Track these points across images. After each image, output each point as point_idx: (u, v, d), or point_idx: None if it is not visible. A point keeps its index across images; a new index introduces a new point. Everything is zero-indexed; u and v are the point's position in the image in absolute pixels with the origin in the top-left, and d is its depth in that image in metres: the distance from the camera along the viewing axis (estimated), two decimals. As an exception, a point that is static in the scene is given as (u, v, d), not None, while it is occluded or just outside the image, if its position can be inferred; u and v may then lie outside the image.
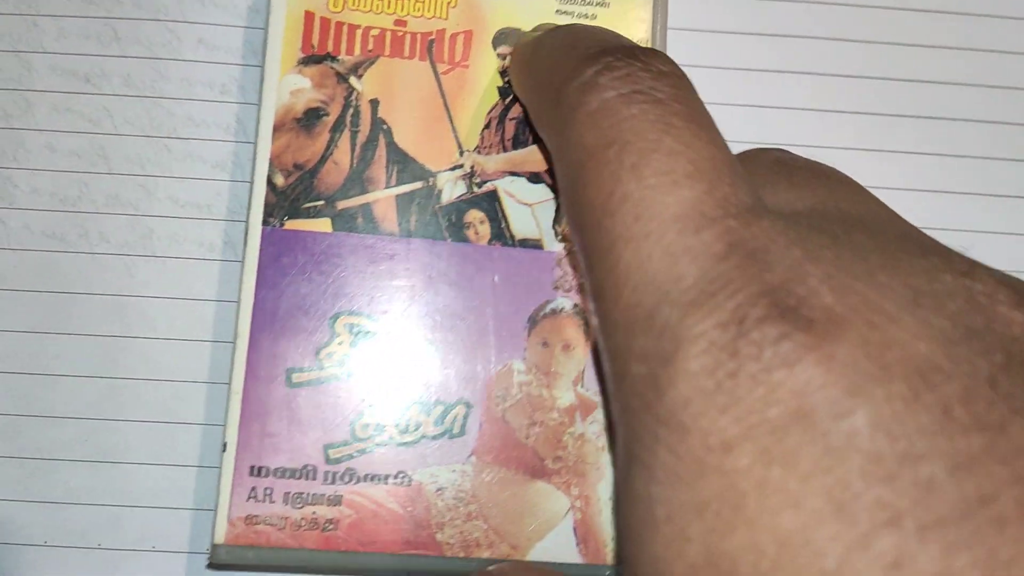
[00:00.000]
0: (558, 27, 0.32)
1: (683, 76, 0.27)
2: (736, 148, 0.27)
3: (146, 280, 0.39)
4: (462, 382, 0.36)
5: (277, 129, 0.36)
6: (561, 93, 0.27)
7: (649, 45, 0.37)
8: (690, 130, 0.25)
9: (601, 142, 0.25)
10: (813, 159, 0.29)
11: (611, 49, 0.27)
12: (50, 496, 0.38)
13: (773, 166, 0.28)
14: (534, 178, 0.37)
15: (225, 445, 0.35)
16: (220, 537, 0.34)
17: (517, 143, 0.37)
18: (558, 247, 0.37)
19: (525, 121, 0.37)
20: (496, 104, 0.37)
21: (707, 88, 0.29)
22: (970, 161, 0.42)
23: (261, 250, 0.36)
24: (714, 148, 0.25)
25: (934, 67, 0.42)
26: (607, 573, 0.35)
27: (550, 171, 0.38)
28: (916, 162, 0.42)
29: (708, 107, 0.26)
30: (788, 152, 0.30)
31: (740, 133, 0.41)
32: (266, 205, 0.36)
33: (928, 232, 0.26)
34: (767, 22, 0.42)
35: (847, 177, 0.28)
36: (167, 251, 0.39)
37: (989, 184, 0.42)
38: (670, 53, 0.30)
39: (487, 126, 0.37)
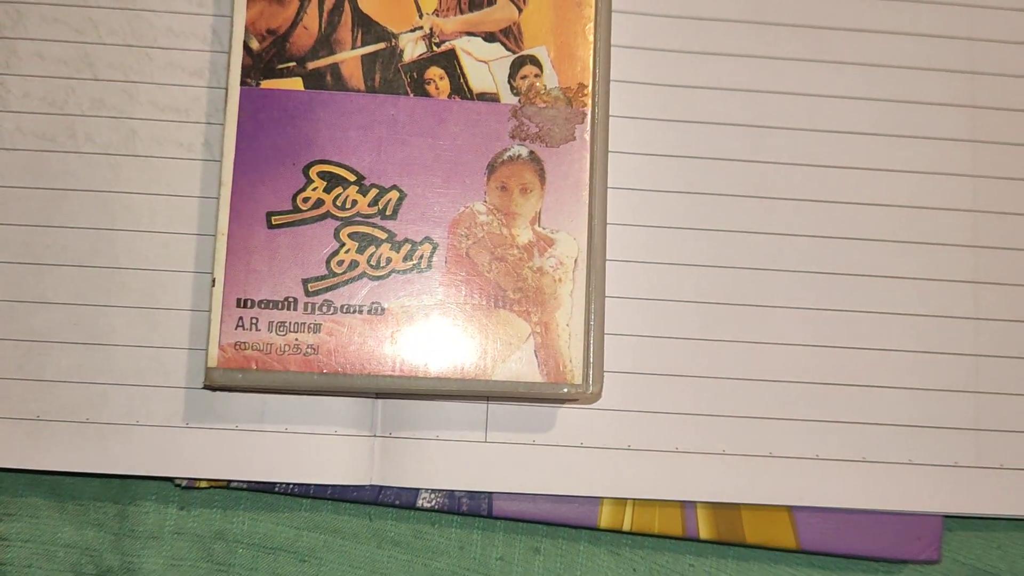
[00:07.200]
0: None
1: None
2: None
3: (129, 178, 0.42)
4: (428, 223, 0.39)
5: (251, -2, 0.40)
6: None
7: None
8: None
9: None
10: None
11: None
12: (43, 375, 0.41)
13: None
14: (490, 37, 0.41)
15: (214, 280, 0.38)
16: (213, 361, 0.38)
17: (473, 5, 0.41)
18: (513, 99, 0.40)
19: (479, -14, 0.41)
20: (452, -29, 0.41)
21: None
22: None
23: (240, 107, 0.39)
24: None
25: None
26: (565, 390, 0.39)
27: (505, 31, 0.41)
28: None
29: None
30: None
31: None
32: (243, 67, 0.39)
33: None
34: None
35: None
36: (149, 151, 0.42)
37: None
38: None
39: (444, -9, 0.41)
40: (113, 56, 0.43)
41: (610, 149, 0.43)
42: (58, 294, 0.41)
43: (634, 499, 0.42)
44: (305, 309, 0.38)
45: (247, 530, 0.42)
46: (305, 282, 0.39)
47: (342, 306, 0.38)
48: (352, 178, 0.39)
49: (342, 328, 0.38)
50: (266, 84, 0.39)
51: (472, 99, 0.40)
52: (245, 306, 0.38)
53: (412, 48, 0.40)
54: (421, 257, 0.39)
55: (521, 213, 0.40)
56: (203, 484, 0.41)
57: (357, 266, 0.39)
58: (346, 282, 0.39)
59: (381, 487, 0.41)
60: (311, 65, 0.40)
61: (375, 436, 0.41)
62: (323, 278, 0.39)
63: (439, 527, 0.43)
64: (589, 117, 0.40)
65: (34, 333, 0.41)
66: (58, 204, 0.42)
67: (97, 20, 0.43)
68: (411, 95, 0.40)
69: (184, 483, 0.41)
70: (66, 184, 0.42)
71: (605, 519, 0.42)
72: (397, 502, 0.42)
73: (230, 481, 0.41)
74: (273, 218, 0.39)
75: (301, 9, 0.40)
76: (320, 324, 0.38)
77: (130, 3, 0.43)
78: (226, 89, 0.39)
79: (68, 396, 0.41)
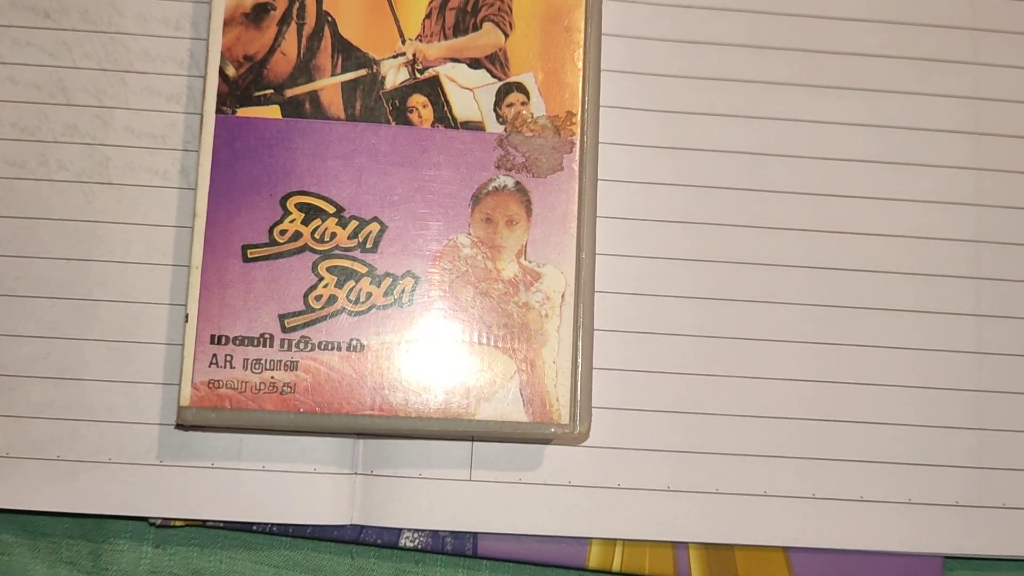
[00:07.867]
0: None
1: None
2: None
3: (104, 207, 0.41)
4: (410, 256, 0.38)
5: (227, 23, 0.39)
6: None
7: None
8: None
9: None
10: None
11: None
12: (12, 410, 0.40)
13: None
14: (475, 64, 0.39)
15: (187, 316, 0.37)
16: (186, 400, 0.36)
17: (458, 30, 0.39)
18: (499, 128, 0.39)
19: (465, 10, 0.39)
20: (436, -6, 0.39)
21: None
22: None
23: (216, 135, 0.38)
24: None
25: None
26: (551, 431, 0.38)
27: (490, 57, 0.39)
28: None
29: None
30: None
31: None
32: (219, 94, 0.38)
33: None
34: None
35: None
36: (124, 179, 0.41)
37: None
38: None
39: (428, 15, 0.39)
40: (87, 81, 0.41)
41: (601, 177, 0.42)
42: (28, 327, 0.40)
43: (624, 539, 0.41)
44: (282, 346, 0.37)
45: (225, 569, 0.41)
46: (282, 318, 0.37)
47: (320, 343, 0.37)
48: (331, 210, 0.38)
49: (320, 366, 0.37)
50: (243, 112, 0.38)
51: (456, 128, 0.39)
52: (219, 343, 0.37)
53: (394, 75, 0.39)
54: (402, 292, 0.38)
55: (506, 246, 0.38)
56: (178, 523, 0.40)
57: (336, 301, 0.37)
58: (324, 318, 0.37)
59: (362, 527, 0.40)
60: (289, 92, 0.38)
61: (356, 474, 0.40)
62: (300, 313, 0.37)
63: (423, 567, 0.42)
64: (578, 146, 0.39)
65: (3, 367, 0.40)
66: (29, 234, 0.41)
67: (71, 43, 0.42)
68: (393, 124, 0.39)
69: (159, 521, 0.40)
70: (38, 213, 0.41)
71: (594, 559, 0.41)
72: (379, 541, 0.40)
73: (206, 519, 0.40)
74: (249, 251, 0.37)
75: (279, 35, 0.39)
76: (297, 361, 0.37)
77: (105, 26, 0.42)
78: (201, 117, 0.38)
79: (38, 432, 0.40)
